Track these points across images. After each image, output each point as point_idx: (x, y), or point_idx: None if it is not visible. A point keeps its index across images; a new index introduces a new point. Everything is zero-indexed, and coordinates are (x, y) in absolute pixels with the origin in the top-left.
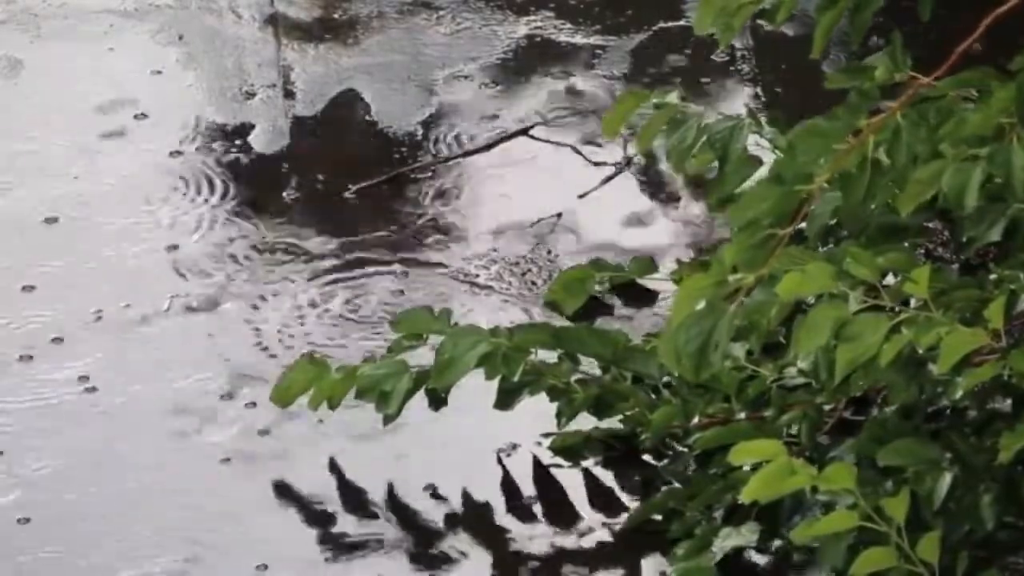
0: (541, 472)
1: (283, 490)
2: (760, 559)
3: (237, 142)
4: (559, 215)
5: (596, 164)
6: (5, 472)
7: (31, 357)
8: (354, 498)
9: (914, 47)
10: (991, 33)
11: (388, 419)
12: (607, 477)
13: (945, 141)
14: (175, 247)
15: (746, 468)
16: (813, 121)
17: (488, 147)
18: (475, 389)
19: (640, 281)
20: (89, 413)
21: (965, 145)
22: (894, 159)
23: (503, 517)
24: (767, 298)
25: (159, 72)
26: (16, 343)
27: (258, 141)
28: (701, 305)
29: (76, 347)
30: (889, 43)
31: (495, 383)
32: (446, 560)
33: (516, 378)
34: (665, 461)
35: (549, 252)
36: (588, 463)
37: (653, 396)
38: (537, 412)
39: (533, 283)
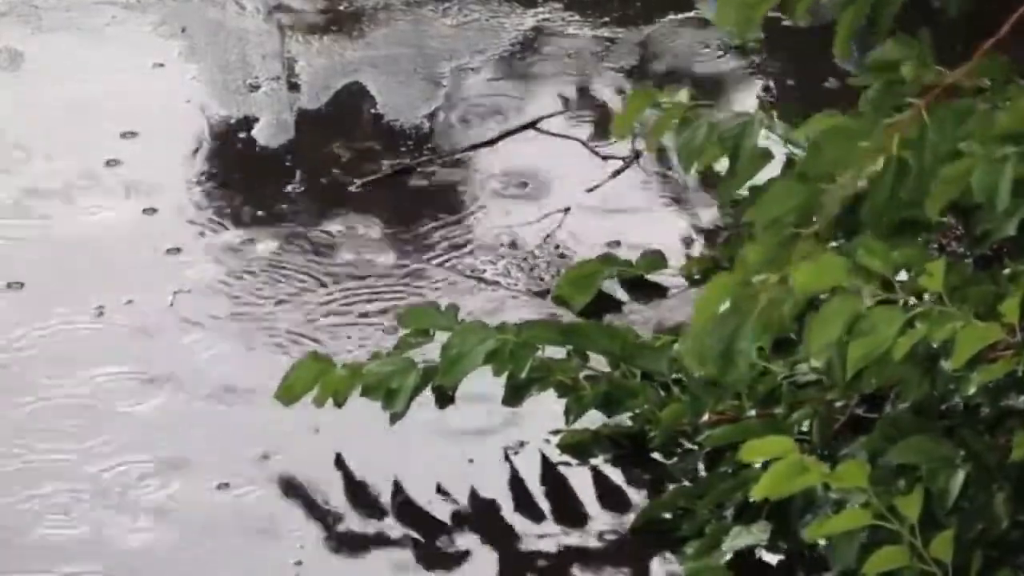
0: (549, 470)
1: (288, 487)
2: (771, 558)
3: (241, 135)
4: (567, 209)
5: (604, 158)
6: None
7: None
8: (360, 495)
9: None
10: (1014, 30)
11: (395, 417)
12: (616, 475)
13: (972, 140)
14: (176, 245)
15: (757, 466)
16: (838, 120)
17: (495, 141)
18: (482, 386)
19: (649, 277)
20: None
21: (994, 144)
22: (920, 158)
23: (511, 515)
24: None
25: (161, 65)
26: None
27: (262, 134)
28: (725, 306)
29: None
30: (902, 35)
31: (503, 379)
32: (453, 558)
33: (524, 375)
34: (674, 459)
35: (557, 247)
36: (597, 461)
37: (662, 393)
38: (545, 409)
39: (541, 278)
